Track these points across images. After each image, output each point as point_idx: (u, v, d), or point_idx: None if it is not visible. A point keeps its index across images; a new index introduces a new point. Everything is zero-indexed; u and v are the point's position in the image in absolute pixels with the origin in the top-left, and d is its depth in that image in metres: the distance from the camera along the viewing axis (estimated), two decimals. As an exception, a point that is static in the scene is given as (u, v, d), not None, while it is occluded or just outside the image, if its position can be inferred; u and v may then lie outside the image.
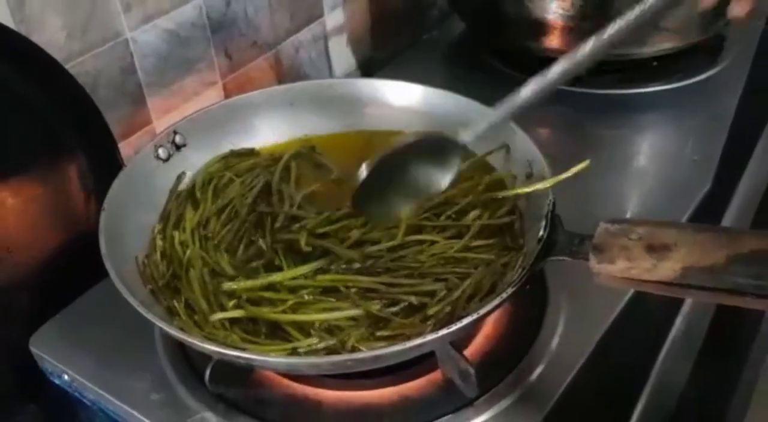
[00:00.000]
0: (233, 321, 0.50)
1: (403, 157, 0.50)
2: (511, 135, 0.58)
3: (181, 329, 0.48)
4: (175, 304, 0.51)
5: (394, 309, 0.49)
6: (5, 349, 0.59)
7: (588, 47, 0.47)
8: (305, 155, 0.65)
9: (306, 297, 0.49)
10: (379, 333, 0.47)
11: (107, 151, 0.65)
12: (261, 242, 0.55)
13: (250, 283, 0.50)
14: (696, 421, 0.57)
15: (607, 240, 0.44)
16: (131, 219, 0.57)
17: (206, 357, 0.50)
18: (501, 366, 0.52)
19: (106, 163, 0.64)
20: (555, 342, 0.53)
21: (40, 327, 0.59)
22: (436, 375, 0.51)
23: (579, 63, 0.47)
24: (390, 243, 0.53)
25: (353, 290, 0.50)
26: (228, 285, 0.50)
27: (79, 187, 0.63)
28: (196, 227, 0.58)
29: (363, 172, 0.48)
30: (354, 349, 0.46)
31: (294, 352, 0.46)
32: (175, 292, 0.53)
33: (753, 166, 0.70)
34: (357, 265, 0.51)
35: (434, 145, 0.51)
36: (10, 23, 0.57)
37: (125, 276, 0.51)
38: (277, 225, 0.56)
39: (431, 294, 0.49)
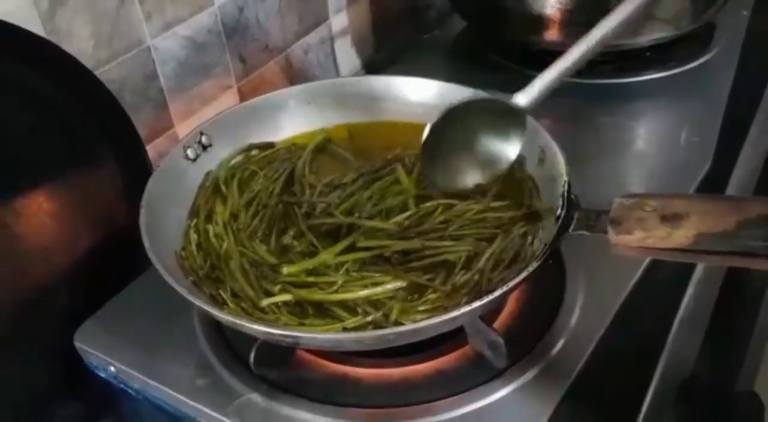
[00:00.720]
0: (279, 306, 0.53)
1: (464, 120, 0.54)
2: (530, 129, 0.61)
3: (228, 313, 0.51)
4: (221, 293, 0.54)
5: (430, 274, 0.52)
6: (47, 348, 0.62)
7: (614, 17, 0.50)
8: (323, 147, 0.68)
9: (352, 274, 0.53)
10: (419, 307, 0.51)
11: (136, 155, 0.68)
12: (291, 231, 0.58)
13: (299, 266, 0.54)
14: (708, 389, 0.61)
15: (624, 213, 0.47)
16: (166, 217, 0.60)
17: (247, 342, 0.53)
18: (526, 340, 0.55)
19: (135, 166, 0.67)
20: (575, 316, 0.56)
21: (79, 325, 0.61)
22: (465, 351, 0.54)
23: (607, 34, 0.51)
24: (413, 211, 0.57)
25: (394, 256, 0.53)
26: (287, 269, 0.53)
27: (110, 189, 0.66)
28: (228, 220, 0.61)
29: (426, 132, 0.52)
30: (397, 323, 0.49)
31: (343, 330, 0.49)
32: (216, 282, 0.56)
33: (749, 144, 0.74)
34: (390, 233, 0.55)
35: (496, 111, 0.55)
36: (41, 33, 0.60)
37: (167, 268, 0.53)
38: (303, 211, 0.60)
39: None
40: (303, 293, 0.52)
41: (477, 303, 0.46)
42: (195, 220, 0.61)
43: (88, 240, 0.65)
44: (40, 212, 0.62)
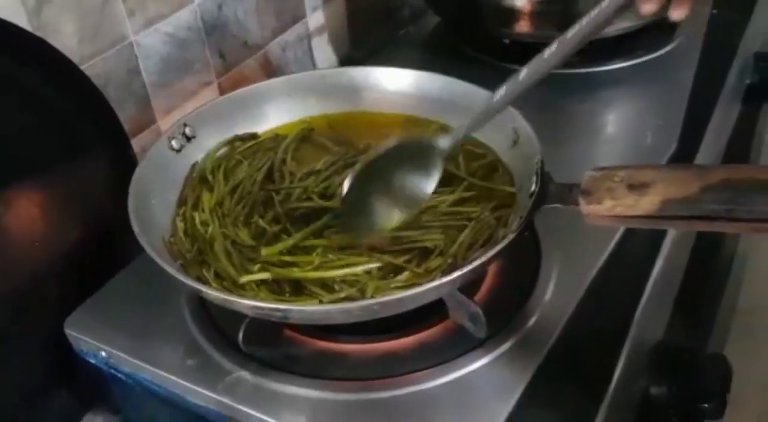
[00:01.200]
0: (258, 284, 0.55)
1: (385, 166, 0.55)
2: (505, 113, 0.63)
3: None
4: (205, 274, 0.56)
5: (406, 257, 0.54)
6: (38, 338, 0.63)
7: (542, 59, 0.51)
8: (306, 137, 0.70)
9: (329, 255, 0.55)
10: (393, 284, 0.53)
11: (122, 148, 0.69)
12: (269, 216, 0.61)
13: (274, 248, 0.56)
14: (678, 353, 0.63)
15: (594, 185, 0.50)
16: (153, 205, 0.61)
17: (235, 322, 0.54)
18: (504, 313, 0.57)
19: (121, 160, 0.69)
20: (550, 290, 0.59)
21: (67, 315, 0.62)
22: (447, 324, 0.57)
23: (540, 68, 0.52)
24: None
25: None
26: (265, 251, 0.56)
27: (98, 182, 0.68)
28: (213, 207, 0.62)
29: (344, 186, 0.54)
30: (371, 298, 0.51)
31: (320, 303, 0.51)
32: (201, 265, 0.57)
33: (712, 127, 0.78)
34: None
35: (416, 151, 0.55)
36: (28, 29, 0.61)
37: (157, 252, 0.55)
38: (281, 197, 0.62)
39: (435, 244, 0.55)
40: (282, 271, 0.54)
41: (457, 273, 0.48)
42: (183, 209, 0.63)
43: (76, 232, 0.66)
44: (29, 205, 0.63)
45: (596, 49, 0.86)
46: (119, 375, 0.60)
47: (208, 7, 0.79)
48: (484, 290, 0.59)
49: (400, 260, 0.55)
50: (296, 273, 0.54)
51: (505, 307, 0.57)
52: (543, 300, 0.58)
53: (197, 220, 0.61)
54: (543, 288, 0.59)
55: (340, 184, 0.60)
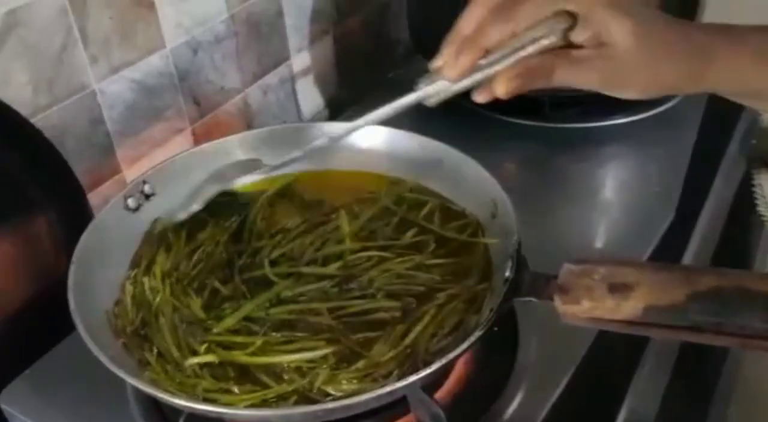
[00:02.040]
0: (204, 365, 0.50)
1: None
2: (474, 174, 0.59)
3: (153, 382, 0.48)
4: (146, 356, 0.51)
5: (361, 335, 0.50)
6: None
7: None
8: (281, 194, 0.66)
9: (273, 334, 0.50)
10: (345, 374, 0.48)
11: (76, 203, 0.65)
12: (224, 285, 0.56)
13: (226, 323, 0.52)
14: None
15: (571, 281, 0.45)
16: (101, 271, 0.57)
17: (179, 410, 0.50)
18: (474, 409, 0.52)
19: (75, 215, 0.64)
20: (527, 381, 0.53)
21: (9, 382, 0.58)
22: (408, 419, 0.51)
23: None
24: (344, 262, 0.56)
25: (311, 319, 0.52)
26: (217, 328, 0.52)
27: (48, 240, 0.64)
28: (167, 272, 0.58)
29: None
30: (322, 392, 0.46)
31: (264, 401, 0.46)
32: (145, 341, 0.53)
33: (713, 196, 0.72)
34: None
35: None
36: (-26, 79, 0.58)
37: (95, 328, 0.51)
38: (241, 262, 0.58)
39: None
40: (227, 355, 0.50)
41: (413, 377, 0.43)
42: (135, 271, 0.59)
43: (21, 293, 0.62)
44: (-31, 264, 0.59)
45: (592, 103, 0.82)
46: (55, 458, 0.55)
47: (181, 52, 0.75)
48: (452, 380, 0.54)
49: (355, 343, 0.50)
50: (241, 357, 0.49)
51: (475, 402, 0.52)
52: (516, 397, 0.53)
53: (146, 286, 0.57)
54: (517, 381, 0.54)
55: (309, 244, 0.59)
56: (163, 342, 0.52)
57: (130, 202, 0.62)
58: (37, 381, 0.58)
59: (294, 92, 0.92)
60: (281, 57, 0.89)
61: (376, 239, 0.59)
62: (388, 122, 0.66)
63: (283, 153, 0.66)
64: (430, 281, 0.54)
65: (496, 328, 0.47)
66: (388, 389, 0.43)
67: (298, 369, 0.49)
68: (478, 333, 0.46)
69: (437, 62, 0.46)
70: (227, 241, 0.61)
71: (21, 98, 0.61)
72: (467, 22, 0.45)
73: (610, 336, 0.56)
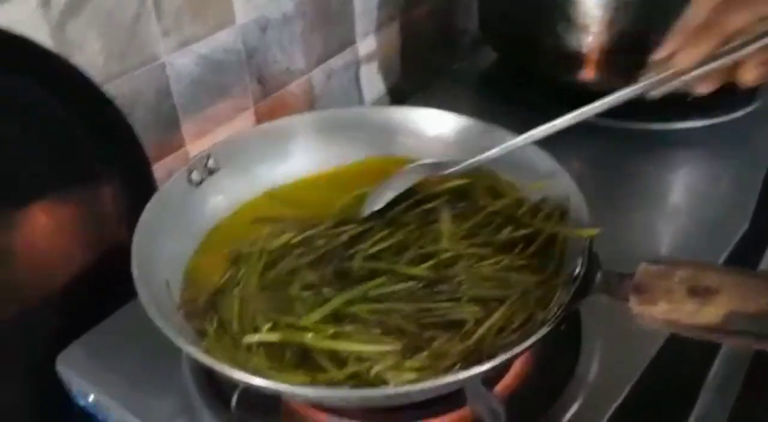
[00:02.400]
0: (261, 345, 0.49)
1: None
2: (547, 167, 0.57)
3: (208, 353, 0.47)
4: (206, 326, 0.51)
5: (430, 332, 0.48)
6: (30, 370, 0.59)
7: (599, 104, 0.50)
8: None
9: (348, 328, 0.49)
10: (409, 363, 0.46)
11: (141, 174, 0.65)
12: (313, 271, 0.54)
13: (304, 321, 0.50)
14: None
15: (649, 281, 0.43)
16: (163, 243, 0.57)
17: (234, 384, 0.49)
18: (532, 407, 0.50)
19: (139, 186, 0.65)
20: (590, 382, 0.52)
21: (67, 346, 0.58)
22: (464, 412, 0.50)
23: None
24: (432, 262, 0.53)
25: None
26: (306, 319, 0.50)
27: (112, 209, 0.64)
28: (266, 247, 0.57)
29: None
30: (379, 379, 0.45)
31: (314, 381, 0.45)
32: (209, 310, 0.52)
33: (792, 206, 0.69)
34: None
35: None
36: (49, 44, 0.58)
37: (156, 298, 0.50)
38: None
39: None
40: (291, 334, 0.48)
41: (476, 369, 0.42)
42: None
43: (83, 261, 0.63)
44: (36, 230, 0.60)
45: (668, 105, 0.79)
46: (108, 422, 0.56)
47: (250, 29, 0.75)
48: (511, 376, 0.52)
49: (424, 339, 0.48)
50: (307, 338, 0.48)
51: (533, 402, 0.51)
52: (578, 397, 0.51)
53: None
54: (580, 381, 0.52)
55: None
56: (229, 312, 0.51)
57: (194, 176, 0.61)
58: (93, 346, 0.58)
59: (357, 77, 0.92)
60: (347, 41, 0.88)
61: (475, 236, 0.56)
62: (455, 110, 0.66)
63: (348, 136, 0.66)
64: (521, 283, 0.51)
65: (563, 326, 0.46)
66: (449, 379, 0.42)
67: (360, 359, 0.47)
68: (545, 330, 0.44)
69: (661, 54, 0.46)
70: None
71: (93, 65, 0.61)
72: (699, 11, 0.44)
73: (678, 343, 0.54)
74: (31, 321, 0.59)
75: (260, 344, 0.49)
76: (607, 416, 0.50)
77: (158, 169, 0.69)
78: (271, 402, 0.51)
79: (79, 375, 0.56)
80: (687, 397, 0.53)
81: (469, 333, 0.48)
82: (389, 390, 0.43)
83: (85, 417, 0.57)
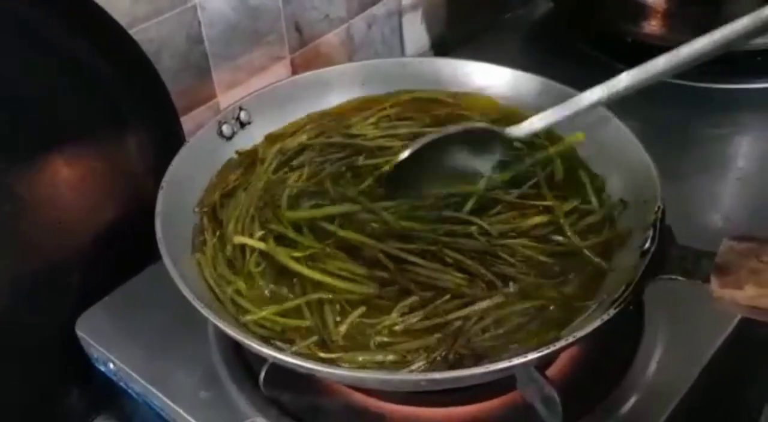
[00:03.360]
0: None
1: (448, 147, 0.51)
2: (613, 132, 0.52)
3: (240, 325, 0.44)
4: (206, 236, 0.50)
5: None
6: (51, 328, 0.56)
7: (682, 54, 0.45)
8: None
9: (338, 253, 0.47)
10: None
11: (169, 125, 0.61)
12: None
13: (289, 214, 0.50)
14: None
15: (733, 261, 0.38)
16: (190, 199, 0.53)
17: (263, 358, 0.45)
18: (588, 395, 0.46)
19: (167, 138, 0.61)
20: (651, 370, 0.47)
21: (88, 307, 0.55)
22: (514, 396, 0.46)
23: (648, 76, 0.47)
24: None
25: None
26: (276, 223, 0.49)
27: (137, 161, 0.60)
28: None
29: (404, 154, 0.50)
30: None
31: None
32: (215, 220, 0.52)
33: None
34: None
35: (479, 137, 0.51)
36: (72, -18, 0.53)
37: (181, 261, 0.47)
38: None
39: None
40: (274, 249, 0.48)
41: (532, 355, 0.37)
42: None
43: (107, 215, 0.59)
44: (56, 181, 0.56)
45: (735, 62, 0.72)
46: (128, 390, 0.52)
47: (288, -29, 0.69)
48: (563, 362, 0.47)
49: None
50: (287, 259, 0.47)
51: (589, 388, 0.46)
52: (640, 385, 0.46)
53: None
54: (642, 368, 0.47)
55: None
56: (231, 215, 0.51)
57: (225, 129, 0.57)
58: (114, 310, 0.55)
59: (400, 27, 0.86)
60: (391, -13, 0.82)
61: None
62: (505, 64, 0.60)
63: (391, 89, 0.61)
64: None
65: (631, 307, 0.41)
66: (501, 365, 0.37)
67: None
68: (611, 312, 0.39)
69: None
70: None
71: (119, 6, 0.57)
72: None
73: (751, 331, 0.49)
74: (51, 278, 0.56)
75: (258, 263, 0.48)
76: (668, 409, 0.45)
77: (187, 122, 0.65)
78: (300, 378, 0.47)
79: (99, 343, 0.53)
80: (759, 391, 0.48)
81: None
82: (436, 374, 0.39)
83: (107, 379, 0.55)
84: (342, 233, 0.48)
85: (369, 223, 0.49)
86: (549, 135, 0.55)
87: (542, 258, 0.47)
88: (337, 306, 0.45)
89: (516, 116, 0.55)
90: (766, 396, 0.48)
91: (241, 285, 0.47)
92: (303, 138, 0.58)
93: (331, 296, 0.45)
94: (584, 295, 0.44)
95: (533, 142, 0.55)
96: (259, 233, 0.49)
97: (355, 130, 0.58)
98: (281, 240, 0.49)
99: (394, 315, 0.43)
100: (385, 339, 0.43)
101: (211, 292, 0.47)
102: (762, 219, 0.58)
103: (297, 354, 0.41)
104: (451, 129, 0.52)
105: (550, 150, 0.54)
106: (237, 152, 0.57)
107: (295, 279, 0.47)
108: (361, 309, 0.44)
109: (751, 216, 0.60)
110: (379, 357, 0.41)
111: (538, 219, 0.49)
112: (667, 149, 0.64)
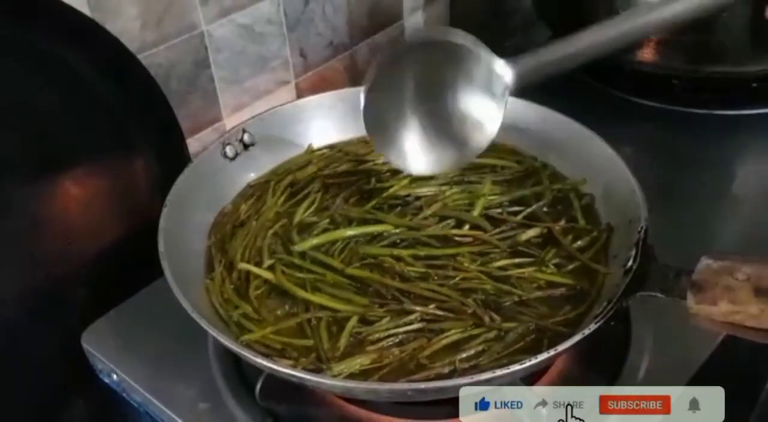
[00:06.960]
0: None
1: (427, 78, 0.48)
2: (600, 152, 0.54)
3: (238, 339, 0.46)
4: (215, 264, 0.52)
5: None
6: (57, 341, 0.58)
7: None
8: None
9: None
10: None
11: (175, 147, 0.63)
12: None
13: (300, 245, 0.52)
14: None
15: (709, 278, 0.39)
16: (193, 217, 0.55)
17: (259, 369, 0.47)
18: (574, 407, 0.47)
19: (173, 158, 0.63)
20: (638, 383, 0.48)
21: (93, 321, 0.57)
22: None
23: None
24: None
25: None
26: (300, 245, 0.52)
27: (144, 181, 0.62)
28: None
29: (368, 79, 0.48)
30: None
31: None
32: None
33: None
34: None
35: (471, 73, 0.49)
36: (85, 10, 0.56)
37: (182, 275, 0.49)
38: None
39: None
40: (280, 278, 0.50)
41: (515, 367, 0.39)
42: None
43: (113, 232, 0.61)
44: (65, 198, 0.58)
45: (729, 89, 0.74)
46: (130, 400, 0.54)
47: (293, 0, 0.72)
48: (551, 376, 0.49)
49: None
50: (292, 286, 0.49)
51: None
52: (623, 401, 0.47)
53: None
54: (629, 380, 0.48)
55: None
56: (238, 245, 0.53)
57: (228, 150, 0.59)
58: (119, 324, 0.57)
59: (403, 54, 0.88)
60: (393, 15, 0.85)
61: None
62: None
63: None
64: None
65: (612, 323, 0.42)
66: (485, 376, 0.39)
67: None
68: (592, 327, 0.41)
69: None
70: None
71: (129, 33, 0.60)
72: None
73: (735, 347, 0.50)
74: (59, 291, 0.58)
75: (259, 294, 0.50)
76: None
77: (193, 143, 0.67)
78: (296, 389, 0.49)
79: (104, 355, 0.55)
80: (743, 406, 0.49)
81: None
82: (422, 384, 0.40)
83: (111, 390, 0.56)
84: (349, 270, 0.50)
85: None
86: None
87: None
88: (334, 329, 0.47)
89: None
90: (751, 409, 0.48)
91: (248, 308, 0.49)
92: (313, 169, 0.60)
93: (330, 315, 0.47)
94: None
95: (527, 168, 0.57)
96: (269, 262, 0.51)
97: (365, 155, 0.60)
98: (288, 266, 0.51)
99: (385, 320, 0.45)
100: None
101: (214, 311, 0.48)
102: (753, 243, 0.60)
103: (288, 364, 0.42)
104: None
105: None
106: (249, 185, 0.59)
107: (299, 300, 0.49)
108: (354, 320, 0.45)
109: (741, 239, 0.61)
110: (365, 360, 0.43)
111: (532, 233, 0.51)
112: (661, 173, 0.67)
